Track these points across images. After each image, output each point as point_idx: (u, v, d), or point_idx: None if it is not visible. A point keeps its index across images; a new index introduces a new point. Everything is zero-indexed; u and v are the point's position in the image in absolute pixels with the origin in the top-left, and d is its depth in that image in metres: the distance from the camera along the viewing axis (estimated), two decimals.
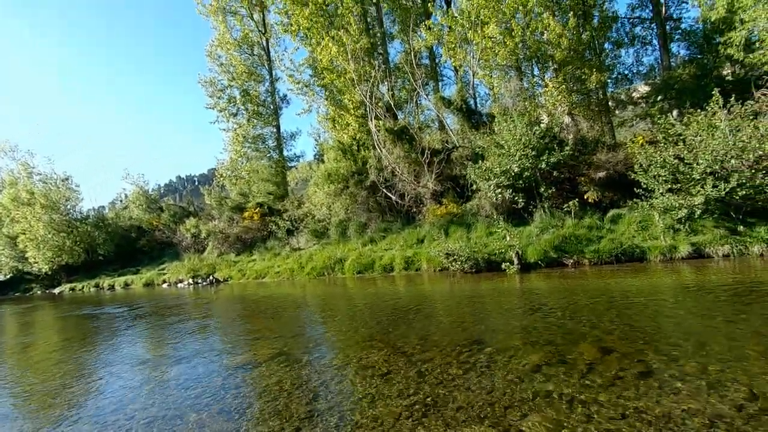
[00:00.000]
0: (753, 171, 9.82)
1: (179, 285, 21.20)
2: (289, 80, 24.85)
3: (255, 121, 28.33)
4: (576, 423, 3.51)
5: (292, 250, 20.68)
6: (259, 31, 27.96)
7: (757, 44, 13.57)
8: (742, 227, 10.18)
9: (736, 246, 9.94)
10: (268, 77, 28.75)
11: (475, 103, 20.37)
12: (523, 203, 13.96)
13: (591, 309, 7.05)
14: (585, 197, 13.31)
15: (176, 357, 6.96)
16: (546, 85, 17.02)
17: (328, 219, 20.43)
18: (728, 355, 4.55)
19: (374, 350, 6.06)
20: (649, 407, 3.63)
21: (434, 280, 12.28)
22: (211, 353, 6.97)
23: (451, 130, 20.09)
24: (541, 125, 14.97)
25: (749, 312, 6.02)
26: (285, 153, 29.48)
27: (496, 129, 15.44)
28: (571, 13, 16.63)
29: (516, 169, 13.67)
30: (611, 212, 12.75)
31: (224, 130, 29.01)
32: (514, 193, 14.10)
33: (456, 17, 18.43)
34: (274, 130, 29.08)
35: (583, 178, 13.95)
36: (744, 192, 9.82)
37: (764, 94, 12.48)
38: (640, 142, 13.55)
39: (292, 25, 21.44)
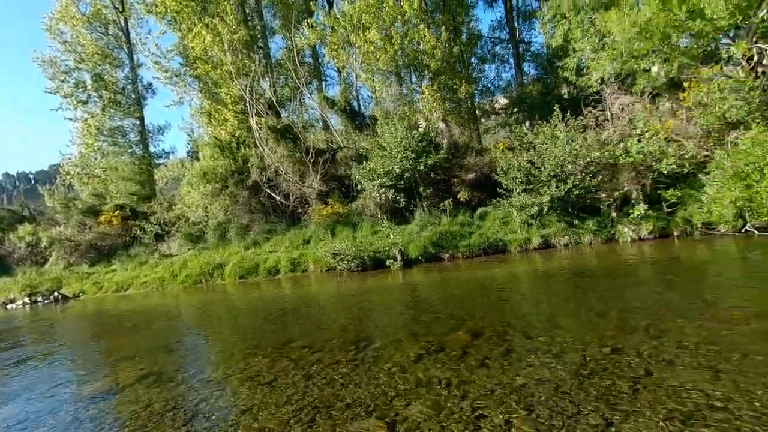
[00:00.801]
0: (583, 174, 11.94)
1: (10, 306, 17.40)
2: (155, 67, 22.31)
3: (112, 110, 24.63)
4: (453, 403, 3.83)
5: (163, 256, 18.59)
6: (115, 7, 24.42)
7: (585, 70, 16.52)
8: (576, 221, 12.30)
9: (573, 237, 11.97)
10: (128, 62, 25.24)
11: (359, 104, 20.88)
12: (404, 202, 14.75)
13: (464, 298, 7.78)
14: (458, 197, 14.62)
15: (4, 394, 5.70)
16: (423, 92, 18.25)
17: (204, 221, 18.84)
18: (569, 328, 5.45)
19: (258, 358, 5.79)
20: (511, 380, 4.15)
21: (321, 281, 12.23)
22: (56, 384, 5.87)
23: (335, 130, 20.24)
24: (419, 129, 16.00)
25: (584, 291, 7.29)
26: (151, 149, 26.29)
27: (378, 131, 16.03)
28: (443, 27, 18.13)
29: (398, 170, 14.38)
30: (479, 210, 14.24)
31: (71, 119, 24.69)
32: (396, 193, 14.81)
33: (338, 19, 18.61)
34: (137, 122, 25.68)
35: (456, 179, 15.30)
36: (577, 192, 11.88)
37: (590, 112, 15.24)
38: (501, 148, 15.41)
39: (157, 6, 19.26)
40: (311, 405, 4.17)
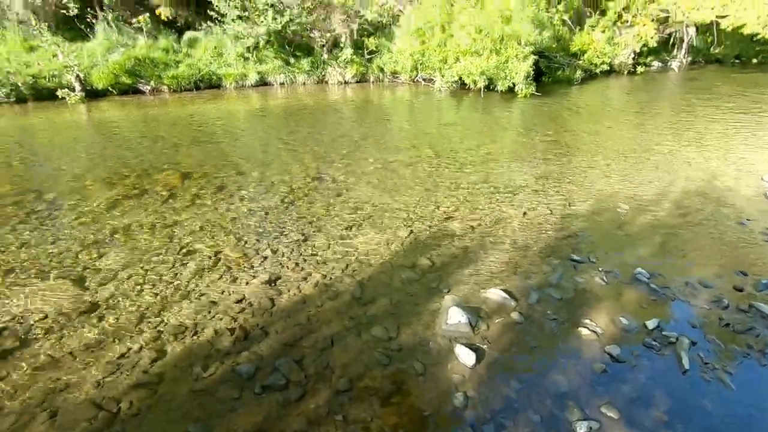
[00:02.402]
0: (300, 9, 11.56)
1: None
2: None
3: None
4: (159, 245, 3.62)
5: None
6: None
7: None
8: (292, 60, 12.28)
9: (289, 76, 12.05)
10: None
11: None
12: (77, 10, 10.77)
13: (172, 137, 6.95)
14: (157, 13, 11.76)
15: None
16: None
17: None
18: (281, 162, 5.78)
19: None
20: (222, 215, 4.21)
21: None
22: None
23: None
24: None
25: (296, 127, 7.71)
26: None
27: None
28: None
29: None
30: (187, 35, 12.06)
31: None
32: None
33: None
34: None
35: None
36: (294, 27, 11.57)
37: None
38: None
39: None
40: None
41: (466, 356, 2.42)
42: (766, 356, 2.46)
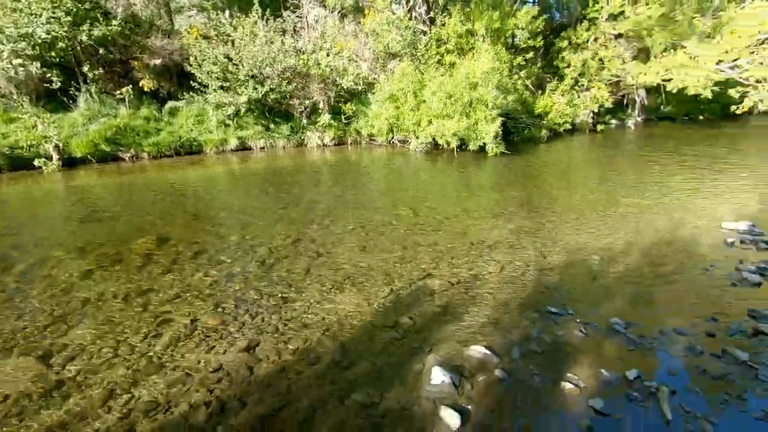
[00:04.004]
0: (280, 79, 12.22)
1: None
2: None
3: None
4: (132, 315, 3.51)
5: None
6: None
7: None
8: (272, 125, 12.75)
9: (269, 140, 12.44)
10: None
11: None
12: (59, 83, 11.08)
13: (150, 203, 6.95)
14: (141, 85, 12.20)
15: None
16: None
17: None
18: (260, 225, 5.81)
19: None
20: (201, 281, 4.15)
21: None
22: None
23: None
24: None
25: (275, 190, 7.83)
26: None
27: None
28: None
29: (43, 35, 10.40)
30: (169, 104, 12.47)
31: None
32: (44, 69, 10.87)
33: None
34: None
35: (137, 63, 12.58)
36: (274, 96, 12.16)
37: (289, 16, 15.29)
38: (195, 34, 13.55)
39: None
40: None
41: (450, 419, 2.37)
42: (744, 402, 2.50)
